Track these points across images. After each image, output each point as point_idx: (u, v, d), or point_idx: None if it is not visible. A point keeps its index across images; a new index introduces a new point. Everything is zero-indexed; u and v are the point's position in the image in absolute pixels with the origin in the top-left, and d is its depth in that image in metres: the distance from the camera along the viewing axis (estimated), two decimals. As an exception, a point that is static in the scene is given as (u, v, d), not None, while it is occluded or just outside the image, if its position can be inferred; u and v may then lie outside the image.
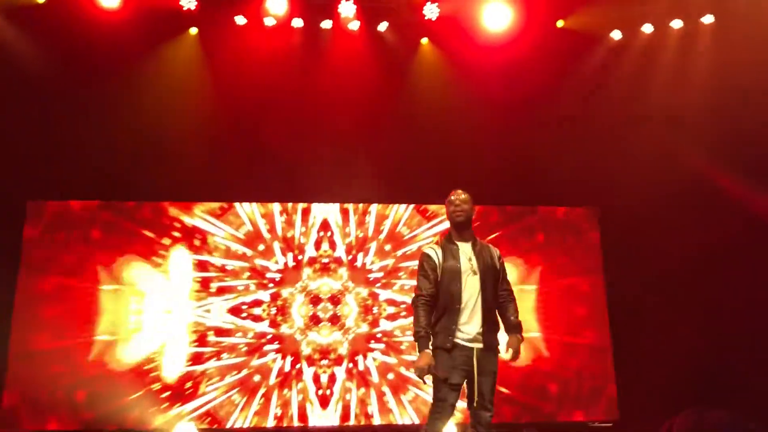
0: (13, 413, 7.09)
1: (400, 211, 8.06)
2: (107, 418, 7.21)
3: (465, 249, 4.23)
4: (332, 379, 7.61)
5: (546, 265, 8.09)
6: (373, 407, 7.59)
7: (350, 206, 8.03)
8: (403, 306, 7.85)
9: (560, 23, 7.90)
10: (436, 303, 4.15)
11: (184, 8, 7.35)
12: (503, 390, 7.65)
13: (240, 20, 7.66)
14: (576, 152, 7.97)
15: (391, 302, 7.86)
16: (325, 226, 7.99)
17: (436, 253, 4.23)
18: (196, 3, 7.34)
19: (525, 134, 7.94)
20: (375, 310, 7.84)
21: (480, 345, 4.09)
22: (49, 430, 7.10)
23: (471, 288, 4.13)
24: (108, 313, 7.48)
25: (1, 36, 7.42)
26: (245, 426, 7.40)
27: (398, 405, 7.61)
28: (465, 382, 4.11)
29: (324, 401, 7.54)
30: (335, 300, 7.83)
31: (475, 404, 4.05)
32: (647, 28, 8.01)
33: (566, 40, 7.89)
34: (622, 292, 7.96)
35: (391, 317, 7.83)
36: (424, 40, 8.05)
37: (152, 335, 7.50)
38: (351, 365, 7.69)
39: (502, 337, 4.24)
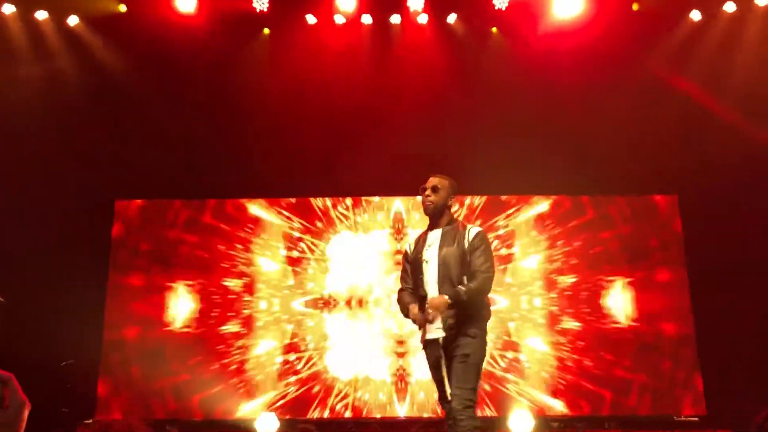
0: (107, 402, 7.50)
1: (476, 203, 8.03)
2: (193, 408, 7.52)
3: (432, 237, 3.99)
4: (404, 371, 7.66)
5: (626, 255, 7.86)
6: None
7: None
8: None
9: (635, 6, 7.67)
10: (413, 290, 4.03)
11: (257, 10, 7.54)
12: (585, 385, 7.53)
13: (311, 19, 7.80)
14: (654, 139, 7.74)
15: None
16: (397, 218, 8.05)
17: (409, 246, 4.13)
18: (267, 4, 7.51)
19: (600, 122, 7.73)
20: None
21: (443, 333, 3.78)
22: (139, 418, 7.43)
23: (431, 276, 3.89)
24: (193, 308, 7.78)
25: (88, 44, 7.84)
26: (325, 416, 7.55)
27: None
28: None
29: (401, 393, 7.60)
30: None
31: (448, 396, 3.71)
32: (729, 7, 7.68)
33: (642, 23, 7.65)
34: (705, 281, 7.67)
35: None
36: (494, 30, 7.97)
37: (235, 328, 7.76)
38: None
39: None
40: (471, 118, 7.86)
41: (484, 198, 8.03)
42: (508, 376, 7.62)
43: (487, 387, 7.58)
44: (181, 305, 7.79)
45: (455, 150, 7.76)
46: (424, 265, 3.93)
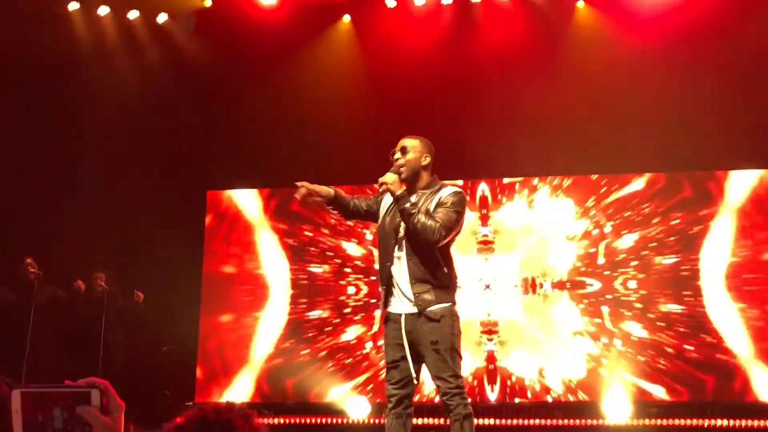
0: (205, 386, 7.80)
1: (565, 184, 7.81)
2: (286, 391, 7.70)
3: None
4: (494, 356, 7.57)
5: (727, 234, 7.46)
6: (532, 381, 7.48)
7: (503, 180, 7.91)
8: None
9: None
10: (348, 200, 3.85)
11: (337, -2, 7.58)
12: (686, 369, 7.21)
13: (390, 3, 7.74)
14: (754, 111, 7.28)
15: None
16: (483, 202, 7.91)
17: (384, 198, 3.74)
18: (347, -9, 7.54)
19: (696, 96, 7.29)
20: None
21: (410, 309, 3.52)
22: (235, 401, 7.66)
23: (400, 244, 3.57)
24: (283, 294, 7.95)
25: (175, 38, 8.08)
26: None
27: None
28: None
29: (491, 376, 7.53)
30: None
31: (416, 381, 3.57)
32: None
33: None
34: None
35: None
36: (580, 4, 7.68)
37: (325, 314, 7.88)
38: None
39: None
40: (558, 97, 7.57)
41: (571, 179, 7.80)
42: (603, 360, 7.40)
43: (582, 373, 7.39)
44: (272, 292, 7.98)
45: (541, 130, 7.53)
46: (401, 230, 3.57)
